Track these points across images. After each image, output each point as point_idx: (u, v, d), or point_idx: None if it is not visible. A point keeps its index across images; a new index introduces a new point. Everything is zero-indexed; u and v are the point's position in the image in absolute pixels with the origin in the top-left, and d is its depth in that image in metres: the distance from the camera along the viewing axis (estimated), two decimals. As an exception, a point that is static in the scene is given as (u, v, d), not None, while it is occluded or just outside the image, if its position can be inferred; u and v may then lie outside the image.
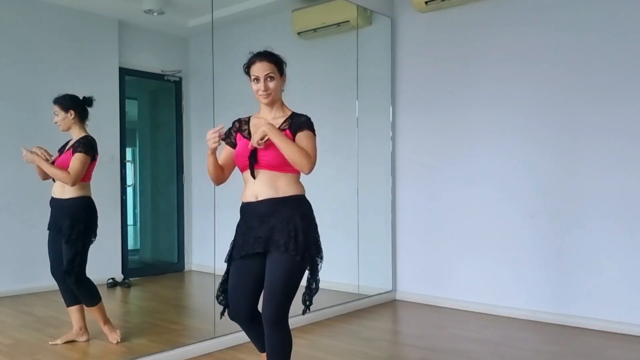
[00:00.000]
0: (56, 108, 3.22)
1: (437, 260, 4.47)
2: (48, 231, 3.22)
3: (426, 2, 4.35)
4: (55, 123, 3.22)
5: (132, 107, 4.68)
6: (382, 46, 4.76)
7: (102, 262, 3.22)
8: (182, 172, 5.04)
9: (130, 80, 4.39)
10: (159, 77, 4.80)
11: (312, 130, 2.22)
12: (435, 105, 4.50)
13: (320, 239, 2.25)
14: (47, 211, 3.23)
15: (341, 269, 4.56)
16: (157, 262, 5.15)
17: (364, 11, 4.62)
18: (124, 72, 4.21)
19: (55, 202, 3.21)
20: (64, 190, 3.15)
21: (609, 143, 3.67)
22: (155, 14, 4.45)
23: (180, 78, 4.91)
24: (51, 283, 3.35)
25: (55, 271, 3.23)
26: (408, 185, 4.68)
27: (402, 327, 4.10)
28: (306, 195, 2.26)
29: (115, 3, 4.27)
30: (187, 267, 5.10)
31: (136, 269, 4.71)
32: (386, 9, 4.75)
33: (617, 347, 3.36)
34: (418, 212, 4.61)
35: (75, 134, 3.24)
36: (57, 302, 3.28)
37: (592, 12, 3.75)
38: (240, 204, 2.27)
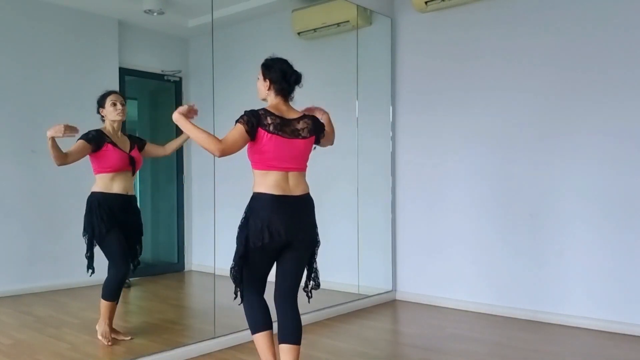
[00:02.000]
0: (122, 99, 3.27)
1: (437, 260, 4.47)
2: (111, 228, 3.16)
3: (426, 2, 4.35)
4: (119, 113, 3.21)
5: (132, 107, 4.68)
6: (382, 46, 4.76)
7: (103, 261, 3.21)
8: (182, 172, 5.04)
9: (130, 80, 4.39)
10: (159, 77, 4.80)
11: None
12: (435, 105, 4.50)
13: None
14: (46, 211, 3.22)
15: (341, 269, 4.57)
16: (157, 262, 5.15)
17: (364, 11, 4.62)
18: (124, 72, 4.22)
19: (124, 198, 3.25)
20: (132, 187, 3.30)
21: (610, 143, 3.67)
22: (155, 14, 4.44)
23: (180, 78, 4.91)
24: (51, 283, 3.35)
25: (127, 266, 3.31)
26: (408, 185, 4.68)
27: (402, 327, 4.10)
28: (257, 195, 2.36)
29: (115, 3, 4.28)
30: (187, 267, 5.10)
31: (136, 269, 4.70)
32: (386, 9, 4.75)
33: (617, 347, 3.36)
34: (418, 211, 4.61)
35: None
36: (57, 302, 3.29)
37: (593, 12, 3.75)
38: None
